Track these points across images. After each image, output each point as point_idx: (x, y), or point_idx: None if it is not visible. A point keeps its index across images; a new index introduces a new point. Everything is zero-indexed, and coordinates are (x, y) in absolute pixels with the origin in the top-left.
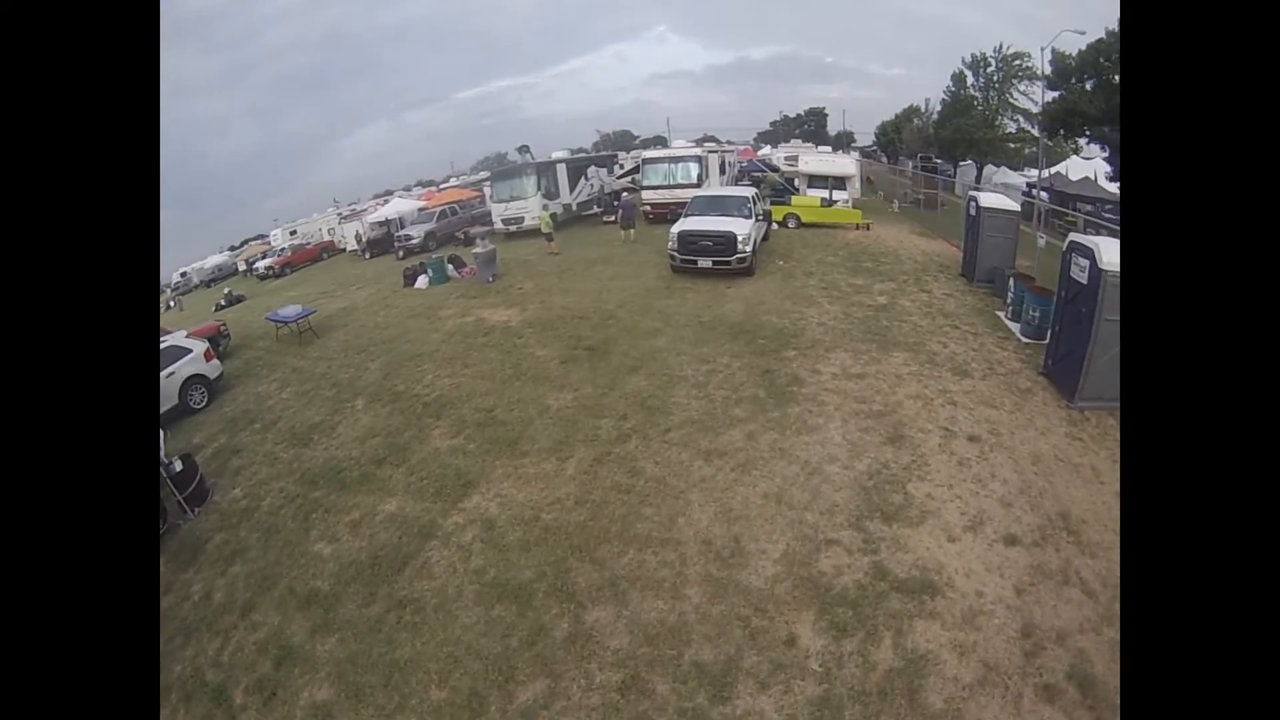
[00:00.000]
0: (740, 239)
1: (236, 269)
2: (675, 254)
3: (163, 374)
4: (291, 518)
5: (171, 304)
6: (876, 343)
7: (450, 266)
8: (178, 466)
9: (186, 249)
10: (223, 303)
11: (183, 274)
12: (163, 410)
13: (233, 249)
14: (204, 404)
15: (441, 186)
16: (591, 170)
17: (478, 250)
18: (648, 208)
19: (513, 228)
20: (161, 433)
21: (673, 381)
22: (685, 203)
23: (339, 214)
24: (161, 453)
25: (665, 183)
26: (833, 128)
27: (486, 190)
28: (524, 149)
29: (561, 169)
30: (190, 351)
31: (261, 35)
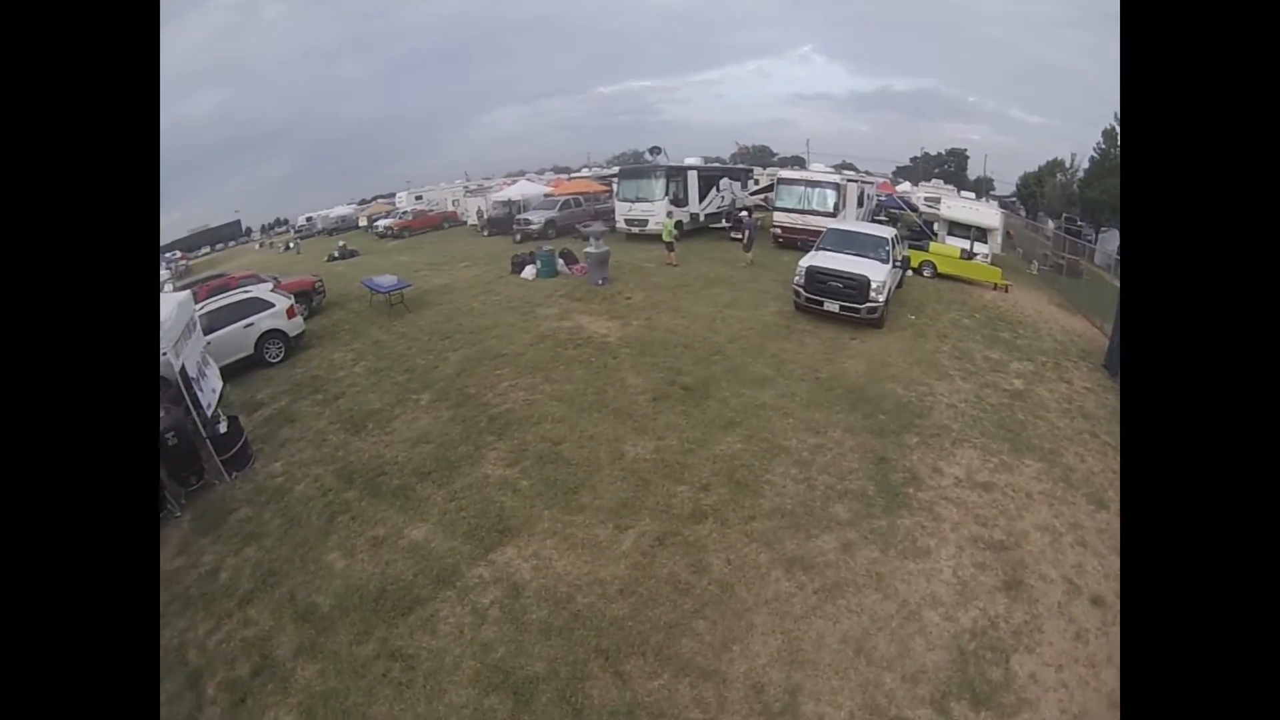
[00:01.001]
0: (874, 286)
1: (358, 223)
2: (800, 290)
3: (240, 324)
4: (317, 514)
5: (291, 245)
6: (1009, 442)
7: (561, 261)
8: (223, 428)
9: (311, 196)
10: (335, 254)
11: (308, 219)
12: (235, 359)
13: (363, 202)
14: (279, 359)
15: (571, 175)
16: (724, 182)
17: (591, 249)
18: (777, 230)
19: (635, 229)
20: (221, 384)
21: (772, 451)
22: (817, 231)
23: (466, 187)
24: (211, 409)
25: (799, 206)
26: (972, 171)
27: (615, 186)
28: (656, 150)
29: (693, 176)
30: (273, 306)
31: (398, 10)
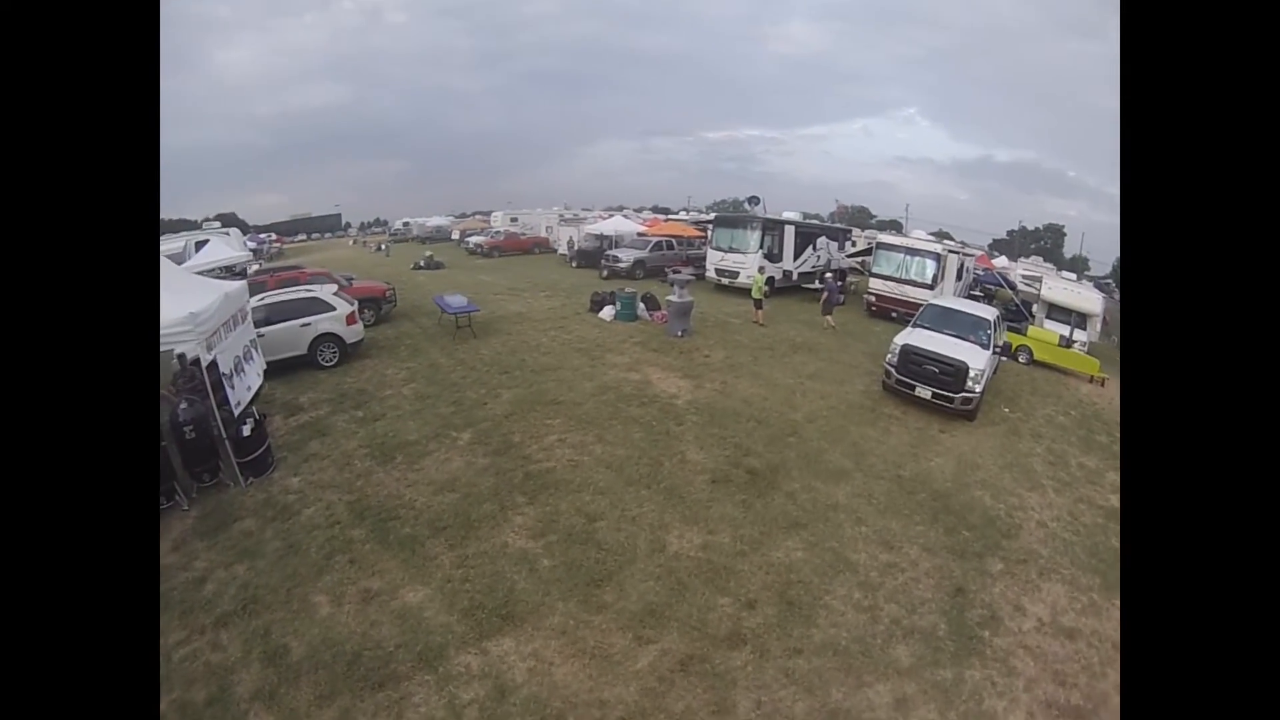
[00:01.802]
0: (972, 374)
1: (451, 236)
2: (892, 370)
3: (297, 322)
4: (318, 546)
5: (382, 247)
6: (1101, 575)
7: (642, 305)
8: (246, 431)
9: (413, 201)
10: (421, 263)
11: (404, 224)
12: (287, 355)
13: (461, 216)
14: (332, 363)
15: (669, 217)
16: (821, 241)
17: (674, 297)
18: (871, 297)
19: (724, 281)
20: (261, 383)
21: (837, 566)
22: (912, 303)
23: (562, 215)
24: (240, 407)
25: (896, 275)
26: (1068, 249)
27: (709, 233)
28: (754, 200)
29: (790, 231)
30: (333, 310)
31: (524, 29)
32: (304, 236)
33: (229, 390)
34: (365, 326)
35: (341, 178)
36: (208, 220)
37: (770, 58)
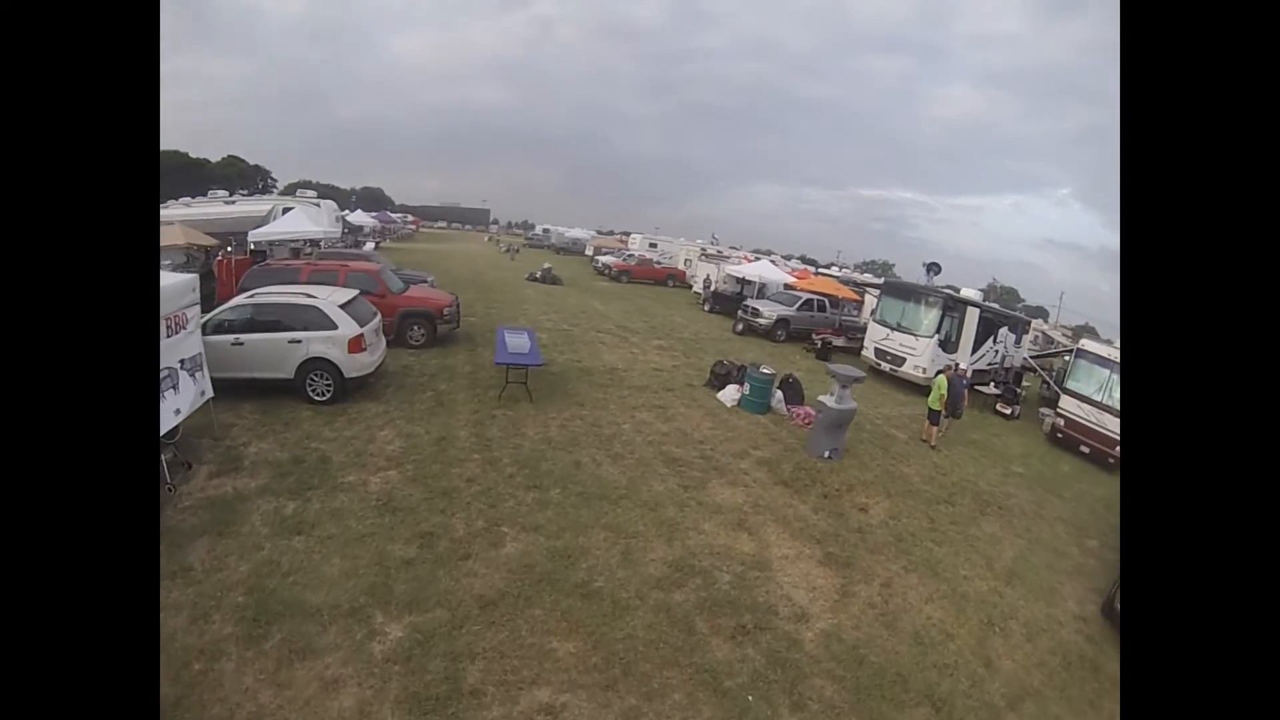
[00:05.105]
0: None
1: (585, 250)
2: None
3: (284, 337)
4: None
5: (509, 249)
6: None
7: (779, 394)
8: None
9: (561, 209)
10: (537, 275)
11: (544, 230)
12: (270, 376)
13: (609, 234)
14: (325, 398)
15: (819, 270)
16: (1003, 332)
17: (829, 400)
18: (1059, 421)
19: (884, 366)
20: (176, 424)
21: None
22: (1110, 438)
23: (704, 250)
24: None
25: (1097, 395)
26: None
27: (869, 300)
28: (934, 268)
29: (972, 315)
30: (335, 328)
31: (690, 61)
32: (444, 224)
33: None
34: (416, 347)
35: (498, 175)
36: (302, 188)
37: (928, 119)
